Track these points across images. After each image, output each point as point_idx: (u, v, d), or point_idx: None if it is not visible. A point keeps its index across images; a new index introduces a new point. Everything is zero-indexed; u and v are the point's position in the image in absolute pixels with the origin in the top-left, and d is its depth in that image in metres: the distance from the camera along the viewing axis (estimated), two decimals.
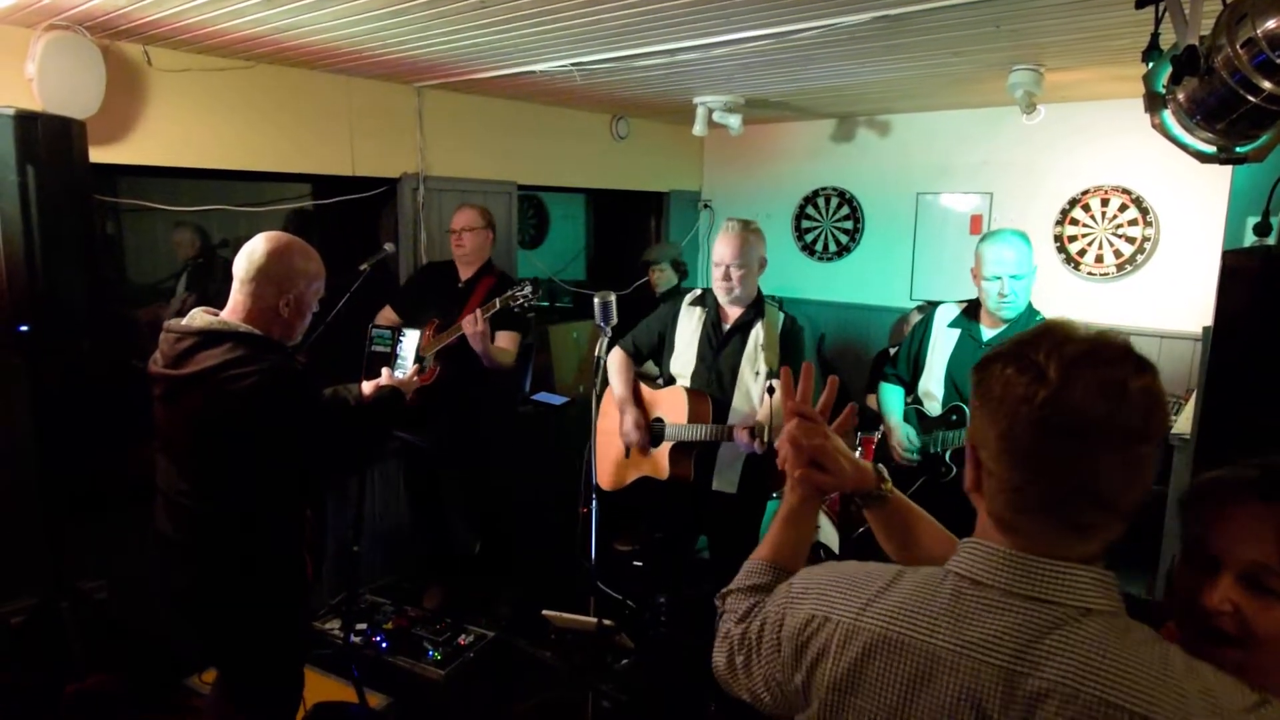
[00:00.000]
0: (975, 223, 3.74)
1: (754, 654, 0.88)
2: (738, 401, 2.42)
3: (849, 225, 4.18)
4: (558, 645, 2.81)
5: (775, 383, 2.32)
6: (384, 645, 2.87)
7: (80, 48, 2.24)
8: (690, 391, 2.46)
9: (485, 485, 3.13)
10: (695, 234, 4.57)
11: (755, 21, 2.16)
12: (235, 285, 1.69)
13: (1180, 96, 1.46)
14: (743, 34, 2.26)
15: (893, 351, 3.00)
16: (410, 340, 2.06)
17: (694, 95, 3.34)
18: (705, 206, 4.64)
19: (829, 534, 2.99)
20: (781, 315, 2.46)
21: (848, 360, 4.17)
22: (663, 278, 3.86)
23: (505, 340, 2.91)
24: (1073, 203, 3.49)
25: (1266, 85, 1.29)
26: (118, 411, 2.34)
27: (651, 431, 2.52)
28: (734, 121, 3.42)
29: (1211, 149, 1.49)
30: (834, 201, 4.22)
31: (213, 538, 1.68)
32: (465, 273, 3.03)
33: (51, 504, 2.21)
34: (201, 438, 1.64)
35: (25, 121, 1.92)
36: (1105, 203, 3.41)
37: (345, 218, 3.27)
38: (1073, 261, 3.50)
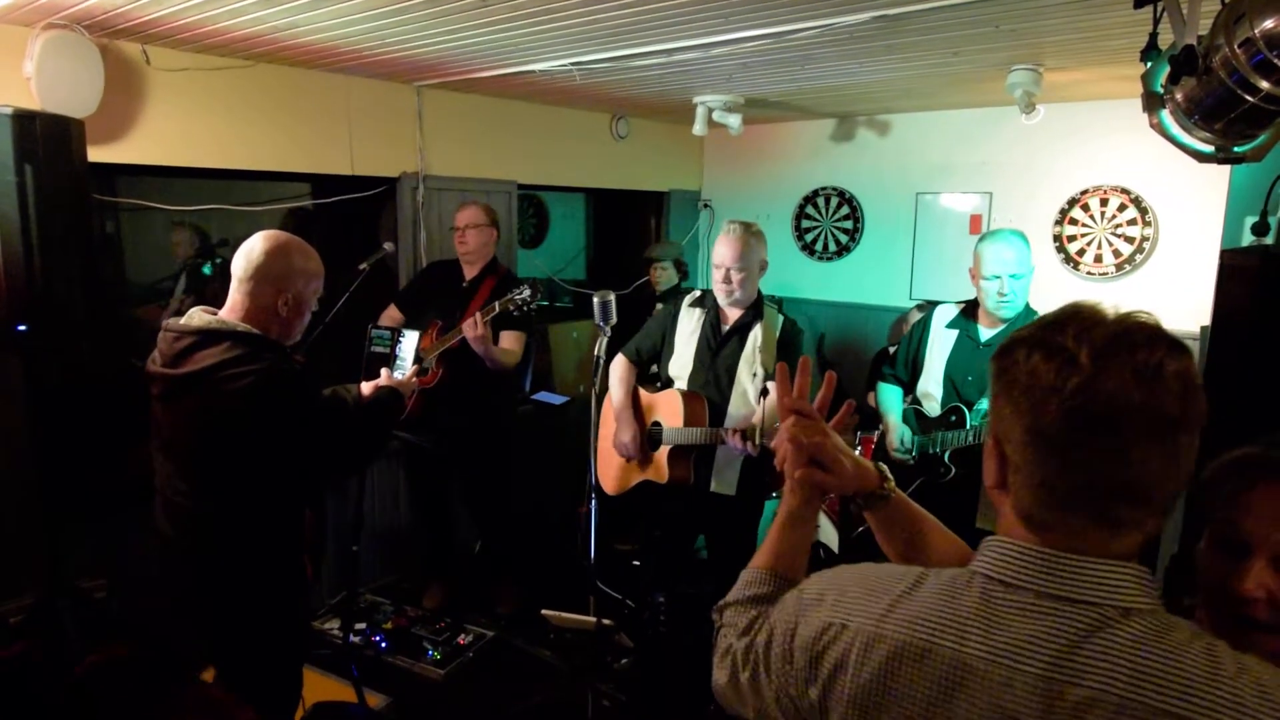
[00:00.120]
0: (975, 222, 3.74)
1: (762, 668, 0.82)
2: (735, 404, 2.42)
3: (849, 225, 4.18)
4: (557, 645, 2.82)
5: (770, 385, 2.32)
6: (383, 645, 2.87)
7: (78, 47, 2.24)
8: (686, 394, 2.46)
9: (490, 485, 3.13)
10: (695, 234, 4.57)
11: (754, 21, 2.16)
12: (233, 284, 1.69)
13: (1178, 96, 1.46)
14: (742, 33, 2.26)
15: (892, 350, 3.00)
16: (409, 341, 2.06)
17: (694, 95, 3.34)
18: (705, 206, 4.64)
19: (829, 533, 3.00)
20: (780, 317, 2.46)
21: (847, 360, 4.17)
22: (664, 276, 3.86)
23: (509, 340, 2.91)
24: (1072, 202, 3.49)
25: (1264, 85, 1.29)
26: (116, 411, 2.34)
27: (650, 436, 2.52)
28: (734, 121, 3.42)
29: (1209, 148, 1.49)
30: (834, 201, 4.22)
31: (211, 537, 1.68)
32: (469, 272, 3.02)
33: (50, 503, 2.21)
34: (199, 437, 1.64)
35: (23, 121, 1.92)
36: (1104, 202, 3.41)
37: (344, 217, 3.27)
38: (1072, 261, 3.50)
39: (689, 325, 2.54)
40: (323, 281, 1.78)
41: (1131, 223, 3.36)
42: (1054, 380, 0.66)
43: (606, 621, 2.23)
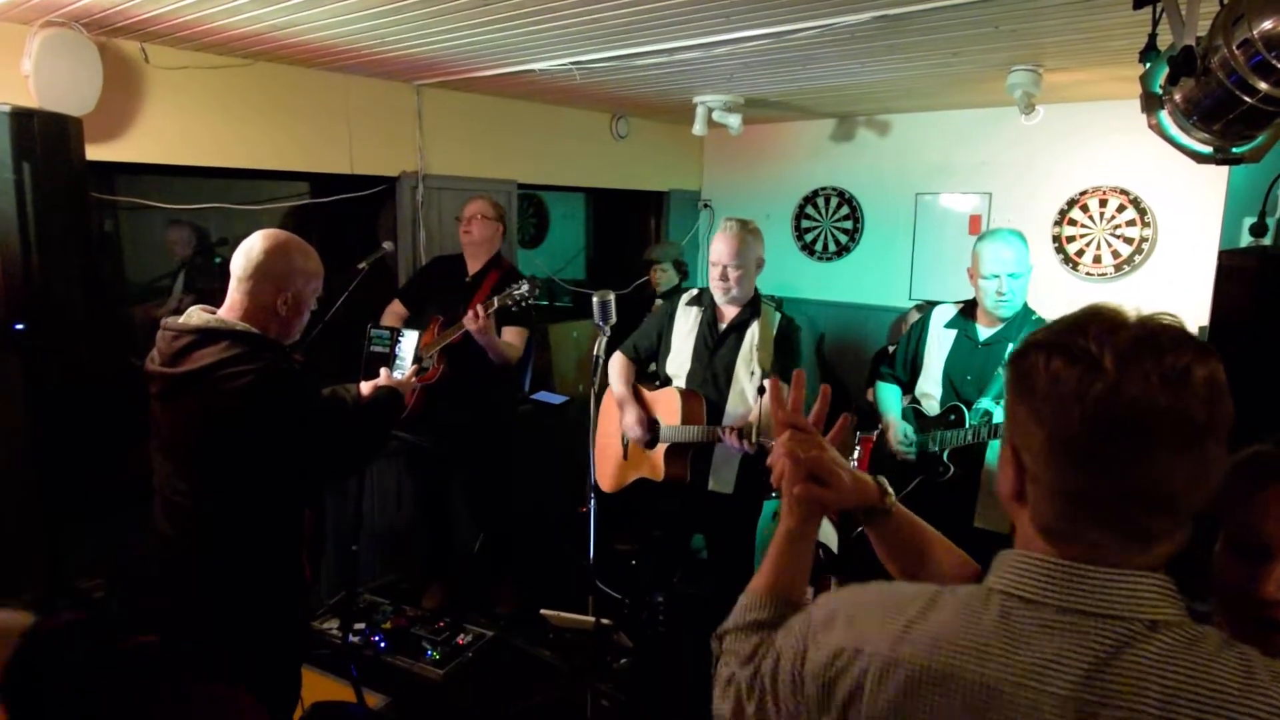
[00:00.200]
0: (974, 223, 3.74)
1: (769, 698, 0.78)
2: (733, 402, 2.42)
3: (848, 225, 4.18)
4: (556, 644, 2.82)
5: (768, 383, 2.32)
6: (382, 645, 2.87)
7: (76, 45, 2.24)
8: (684, 392, 2.46)
9: (492, 483, 3.14)
10: (695, 234, 4.57)
11: (754, 21, 2.16)
12: (233, 283, 1.69)
13: (1177, 97, 1.46)
14: (742, 33, 2.26)
15: (891, 350, 3.00)
16: (409, 341, 2.06)
17: (694, 94, 3.34)
18: (705, 206, 4.64)
19: (828, 533, 3.00)
20: (778, 315, 2.46)
21: (847, 360, 4.17)
22: (664, 277, 3.86)
23: (511, 335, 2.91)
24: (1071, 203, 3.49)
25: (1263, 86, 1.29)
26: (115, 411, 2.34)
27: (652, 426, 2.53)
28: (734, 121, 3.42)
29: (1208, 149, 1.49)
30: (833, 201, 4.22)
31: (210, 537, 1.68)
32: (473, 265, 3.02)
33: (49, 503, 2.21)
34: (198, 436, 1.64)
35: (21, 119, 1.91)
36: (1104, 203, 3.41)
37: (343, 216, 3.27)
38: (1071, 262, 3.51)
39: (686, 324, 2.54)
40: (322, 281, 1.78)
41: (1130, 223, 3.36)
42: (1076, 386, 0.63)
43: (606, 621, 2.23)
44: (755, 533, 2.74)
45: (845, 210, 4.19)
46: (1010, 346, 2.27)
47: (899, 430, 2.41)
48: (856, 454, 2.84)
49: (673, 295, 3.46)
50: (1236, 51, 1.30)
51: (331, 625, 2.94)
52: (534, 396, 3.76)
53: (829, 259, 4.27)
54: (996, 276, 2.24)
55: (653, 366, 2.69)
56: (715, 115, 3.38)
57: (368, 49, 2.58)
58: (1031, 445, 0.67)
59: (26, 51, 2.18)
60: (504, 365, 2.90)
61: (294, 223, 3.22)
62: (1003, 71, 2.75)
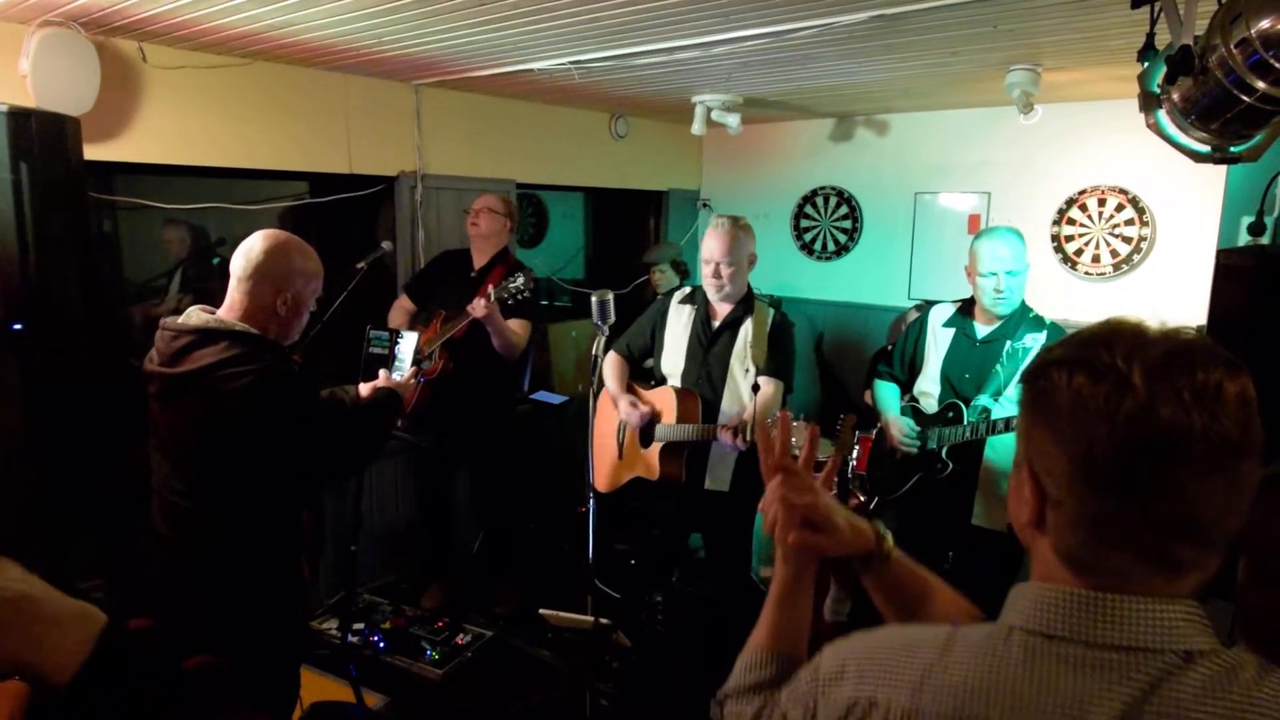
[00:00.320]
0: (973, 222, 3.75)
1: None
2: (728, 400, 2.41)
3: (847, 225, 4.19)
4: (555, 644, 2.82)
5: (761, 380, 2.31)
6: (381, 645, 2.87)
7: (74, 44, 2.24)
8: (679, 391, 2.45)
9: (494, 481, 3.14)
10: (694, 233, 4.57)
11: (753, 20, 2.16)
12: (232, 283, 1.69)
13: (1175, 96, 1.46)
14: (740, 32, 2.26)
15: (890, 349, 3.00)
16: (408, 342, 2.06)
17: (692, 94, 3.34)
18: (704, 205, 4.63)
19: None
20: (771, 311, 2.46)
21: (846, 359, 4.18)
22: (663, 279, 3.86)
23: (516, 327, 2.93)
24: (1070, 202, 3.49)
25: (1260, 85, 1.30)
26: (114, 410, 2.34)
27: (642, 433, 2.52)
28: (732, 120, 3.42)
29: (1206, 148, 1.49)
30: (832, 201, 4.22)
31: (209, 537, 1.68)
32: (479, 260, 3.03)
33: (48, 503, 2.21)
34: (197, 437, 1.64)
35: (19, 118, 1.91)
36: (1102, 203, 3.42)
37: (342, 216, 3.26)
38: (1070, 261, 3.51)
39: (679, 322, 2.54)
40: (322, 281, 1.78)
41: (1129, 223, 3.36)
42: (1104, 405, 0.59)
43: (604, 621, 2.23)
44: (753, 531, 2.74)
45: (844, 210, 4.19)
46: (1008, 344, 2.28)
47: (901, 425, 2.42)
48: (856, 453, 2.84)
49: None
50: (1234, 50, 1.30)
51: (330, 625, 2.94)
52: (533, 396, 3.76)
53: (828, 258, 4.27)
54: (994, 274, 2.25)
55: (649, 362, 2.70)
56: (714, 115, 3.38)
57: (366, 48, 2.58)
58: (1053, 469, 0.63)
59: (24, 51, 2.18)
60: (508, 358, 2.91)
61: (293, 222, 3.22)
62: (1001, 71, 2.75)
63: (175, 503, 1.68)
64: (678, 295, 2.61)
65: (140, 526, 1.80)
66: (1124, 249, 3.38)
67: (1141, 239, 3.34)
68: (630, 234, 4.64)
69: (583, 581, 2.50)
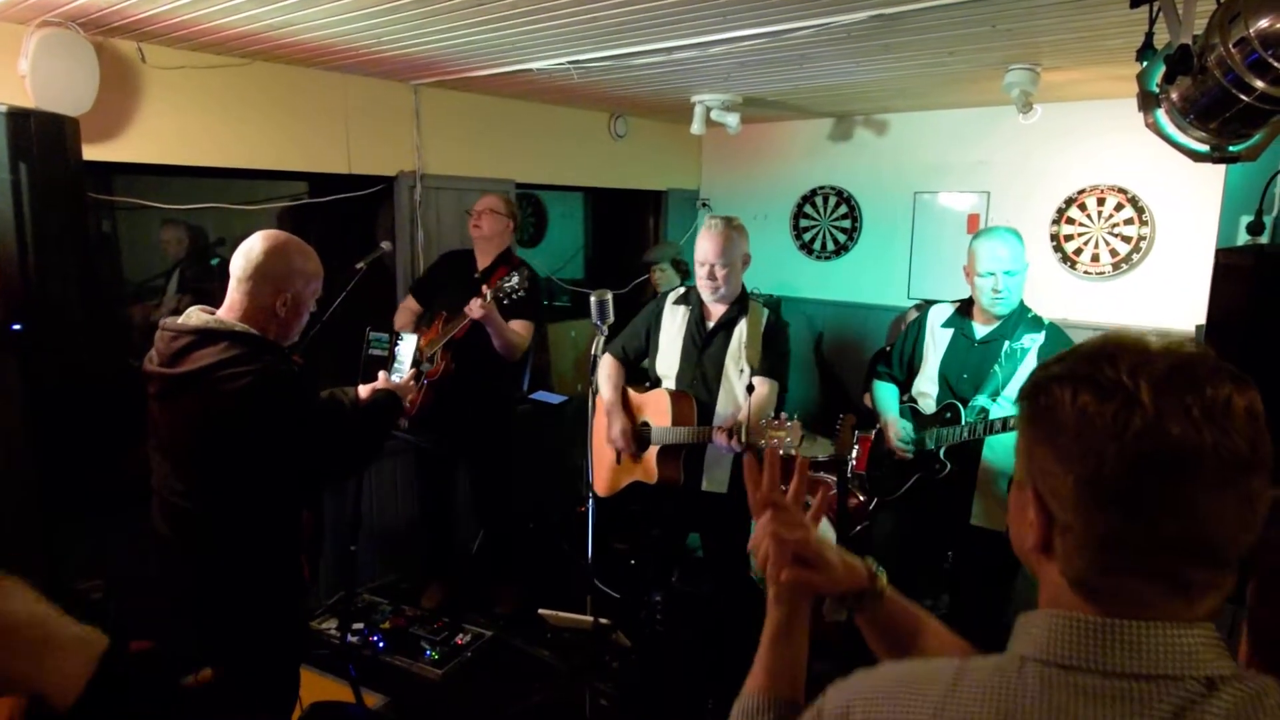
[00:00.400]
0: (972, 222, 3.75)
1: None
2: (723, 402, 2.41)
3: (847, 224, 4.19)
4: (555, 644, 2.82)
5: (755, 380, 2.31)
6: (381, 645, 2.87)
7: (73, 44, 2.24)
8: (674, 393, 2.45)
9: (495, 480, 3.15)
10: (693, 232, 4.57)
11: (751, 20, 2.16)
12: (232, 284, 1.69)
13: (1174, 96, 1.46)
14: (739, 32, 2.26)
15: (889, 349, 3.00)
16: (407, 344, 2.07)
17: (692, 94, 3.34)
18: (703, 205, 4.64)
19: (826, 531, 3.00)
20: (766, 311, 2.45)
21: (845, 359, 4.18)
22: (664, 278, 3.86)
23: (518, 327, 2.93)
24: (1069, 202, 3.49)
25: (1259, 84, 1.30)
26: (114, 411, 2.34)
27: (638, 436, 2.52)
28: (732, 120, 3.42)
29: (1204, 148, 1.49)
30: (832, 200, 4.23)
31: (208, 537, 1.68)
32: (482, 261, 3.04)
33: (47, 503, 2.21)
34: (196, 437, 1.64)
35: (18, 119, 1.91)
36: (1101, 202, 3.42)
37: (341, 216, 3.26)
38: (1069, 261, 3.51)
39: (674, 323, 2.53)
40: (321, 282, 1.78)
41: (1128, 222, 3.37)
42: (1111, 423, 0.57)
43: (604, 621, 2.23)
44: (750, 531, 2.73)
45: (843, 209, 4.19)
46: (1006, 344, 2.28)
47: (898, 428, 2.42)
48: (855, 453, 2.84)
49: None
50: (1233, 50, 1.30)
51: (330, 625, 2.94)
52: (532, 396, 3.76)
53: (827, 258, 4.27)
54: (992, 274, 2.25)
55: (645, 362, 2.70)
56: (713, 114, 3.39)
57: (365, 48, 2.58)
58: (1059, 490, 0.61)
59: (23, 51, 2.18)
60: (509, 358, 2.92)
61: (292, 223, 3.22)
62: (999, 70, 2.75)
63: (175, 503, 1.68)
64: (672, 296, 2.60)
65: (140, 526, 1.80)
66: (1123, 248, 3.38)
67: (1141, 238, 3.34)
68: (629, 234, 4.64)
69: (582, 581, 2.50)
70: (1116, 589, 0.60)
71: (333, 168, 3.09)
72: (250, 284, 1.66)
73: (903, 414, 2.48)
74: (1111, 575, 0.60)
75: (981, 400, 2.28)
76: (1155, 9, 1.52)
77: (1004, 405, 2.26)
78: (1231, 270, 1.85)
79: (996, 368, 2.27)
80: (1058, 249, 3.53)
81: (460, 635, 2.94)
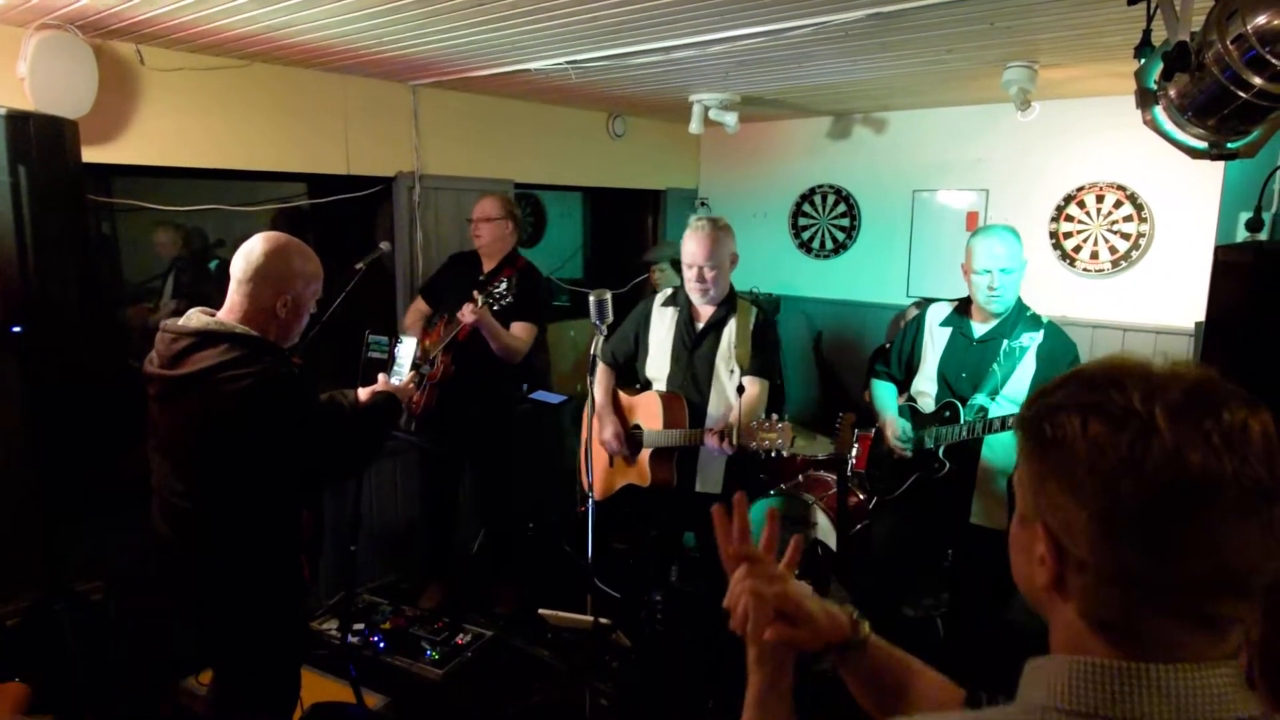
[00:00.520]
0: (971, 219, 3.75)
1: None
2: (714, 403, 2.40)
3: (845, 223, 4.19)
4: (555, 644, 2.82)
5: (745, 381, 2.31)
6: (381, 645, 2.87)
7: (72, 47, 2.24)
8: (665, 395, 2.44)
9: (497, 480, 3.15)
10: None
11: (748, 19, 2.16)
12: (232, 285, 1.69)
13: (1172, 92, 1.46)
14: (737, 31, 2.26)
15: (889, 347, 3.00)
16: (407, 346, 2.07)
17: (690, 93, 3.34)
18: (702, 204, 4.63)
19: (825, 530, 3.00)
20: (754, 310, 2.44)
21: (845, 357, 4.18)
22: (664, 277, 3.86)
23: (520, 330, 2.93)
24: (1068, 199, 3.49)
25: (1257, 81, 1.30)
26: (113, 411, 2.34)
27: (630, 439, 2.51)
28: (730, 119, 3.42)
29: (1203, 144, 1.49)
30: (830, 199, 4.23)
31: (208, 539, 1.68)
32: (487, 264, 3.04)
33: (48, 504, 2.21)
34: (197, 438, 1.64)
35: (16, 121, 1.91)
36: (1100, 199, 3.42)
37: (341, 217, 3.27)
38: (1068, 258, 3.51)
39: (663, 325, 2.52)
40: (321, 283, 1.78)
41: (1127, 219, 3.37)
42: (1128, 454, 0.55)
43: (604, 621, 2.23)
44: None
45: (842, 208, 4.19)
46: (1005, 343, 2.28)
47: (896, 427, 2.42)
48: (855, 452, 2.84)
49: None
50: (1230, 46, 1.30)
51: (330, 625, 2.94)
52: (532, 396, 3.76)
53: (826, 256, 4.27)
54: (988, 271, 2.25)
55: (637, 364, 2.70)
56: (711, 113, 3.38)
57: (363, 49, 2.58)
58: (1072, 526, 0.58)
59: (22, 54, 2.18)
60: (509, 361, 2.92)
61: (291, 224, 3.22)
62: (998, 68, 2.75)
63: (175, 503, 1.69)
64: (660, 298, 2.59)
65: (140, 526, 1.80)
66: (1122, 245, 3.38)
67: (1140, 235, 3.34)
68: (628, 233, 4.64)
69: (582, 581, 2.50)
70: (1141, 629, 0.57)
71: (331, 168, 3.09)
72: (250, 286, 1.66)
73: (902, 413, 2.48)
74: (1135, 615, 0.57)
75: (980, 399, 2.28)
76: (1153, 6, 1.52)
77: (1003, 404, 2.26)
78: (1231, 267, 1.85)
79: (995, 366, 2.27)
80: (1057, 246, 3.53)
81: (460, 635, 2.94)
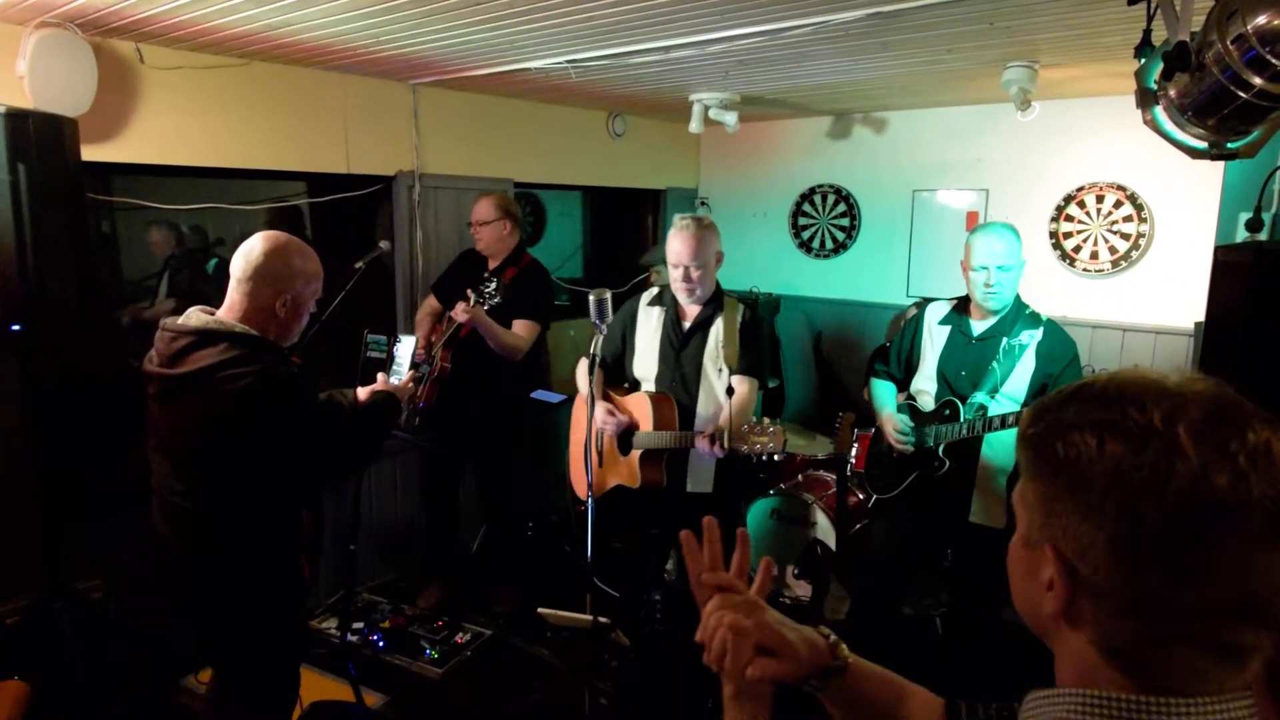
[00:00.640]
0: (971, 219, 3.75)
1: None
2: (703, 403, 2.38)
3: (845, 222, 4.19)
4: (555, 643, 2.82)
5: (734, 380, 2.30)
6: (381, 644, 2.87)
7: (71, 45, 2.23)
8: (654, 396, 2.43)
9: (498, 478, 3.15)
10: None
11: (748, 18, 2.16)
12: (232, 284, 1.69)
13: (1171, 92, 1.46)
14: (737, 30, 2.26)
15: (889, 346, 3.00)
16: (406, 346, 2.07)
17: (690, 92, 3.34)
18: (702, 204, 4.63)
19: (825, 529, 3.00)
20: (741, 308, 2.43)
21: (844, 357, 4.18)
22: (662, 280, 3.85)
23: (520, 328, 2.93)
24: (1068, 199, 3.49)
25: (1257, 81, 1.30)
26: (113, 411, 2.34)
27: (620, 441, 2.51)
28: (730, 119, 3.42)
29: (1202, 145, 1.50)
30: (830, 199, 4.23)
31: (208, 538, 1.68)
32: (492, 264, 3.05)
33: (47, 504, 2.21)
34: (196, 437, 1.64)
35: (16, 119, 1.91)
36: (1100, 199, 3.42)
37: (340, 216, 3.26)
38: (1068, 258, 3.51)
39: (649, 325, 2.50)
40: (321, 283, 1.78)
41: (1127, 219, 3.37)
42: (1150, 475, 0.52)
43: (603, 620, 2.23)
44: (737, 530, 2.71)
45: (842, 207, 4.19)
46: (1004, 341, 2.28)
47: (895, 422, 2.42)
48: (854, 451, 2.84)
49: None
50: (1231, 46, 1.30)
51: (330, 625, 2.94)
52: (532, 395, 3.76)
53: (826, 256, 4.28)
54: (985, 269, 2.25)
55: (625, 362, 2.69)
56: (711, 113, 3.38)
57: (363, 48, 2.58)
58: (1089, 551, 0.55)
59: (21, 52, 2.18)
60: (508, 358, 2.91)
61: (290, 223, 3.22)
62: (998, 68, 2.75)
63: (175, 503, 1.68)
64: (645, 297, 2.57)
65: (140, 526, 1.80)
66: (1122, 245, 3.39)
67: (1140, 235, 3.34)
68: (628, 232, 4.64)
69: (581, 580, 2.50)
70: (1158, 659, 0.55)
71: (331, 167, 3.09)
72: (250, 285, 1.66)
73: (901, 412, 2.48)
74: (1154, 645, 0.55)
75: (980, 397, 2.28)
76: (1153, 6, 1.52)
77: (1002, 402, 2.26)
78: (1230, 267, 1.85)
79: (995, 364, 2.27)
80: (1056, 246, 3.53)
81: (460, 634, 2.94)
